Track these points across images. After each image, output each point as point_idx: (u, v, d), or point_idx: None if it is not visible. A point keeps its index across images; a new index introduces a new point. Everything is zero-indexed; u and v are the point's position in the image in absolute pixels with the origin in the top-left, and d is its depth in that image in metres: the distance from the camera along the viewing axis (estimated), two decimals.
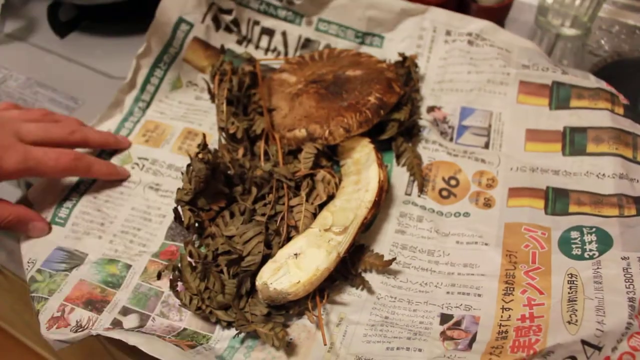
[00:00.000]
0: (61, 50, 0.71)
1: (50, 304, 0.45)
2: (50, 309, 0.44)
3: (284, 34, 0.66)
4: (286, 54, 0.66)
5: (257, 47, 0.67)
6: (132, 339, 0.40)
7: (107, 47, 0.72)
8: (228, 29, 0.65)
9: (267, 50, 0.67)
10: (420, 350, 0.41)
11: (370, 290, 0.46)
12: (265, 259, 0.44)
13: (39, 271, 0.47)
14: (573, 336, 0.38)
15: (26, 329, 1.13)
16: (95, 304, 0.45)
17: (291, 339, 0.43)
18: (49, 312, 0.44)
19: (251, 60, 0.61)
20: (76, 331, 0.43)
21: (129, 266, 0.48)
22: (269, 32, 0.67)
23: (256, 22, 0.66)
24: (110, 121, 0.59)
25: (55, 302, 0.45)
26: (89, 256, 0.48)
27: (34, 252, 0.48)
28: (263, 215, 0.47)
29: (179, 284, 0.45)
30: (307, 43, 0.66)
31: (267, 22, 0.66)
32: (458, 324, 0.43)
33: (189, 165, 0.48)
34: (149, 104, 0.61)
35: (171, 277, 0.45)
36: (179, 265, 0.45)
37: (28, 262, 0.47)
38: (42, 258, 0.47)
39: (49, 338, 0.42)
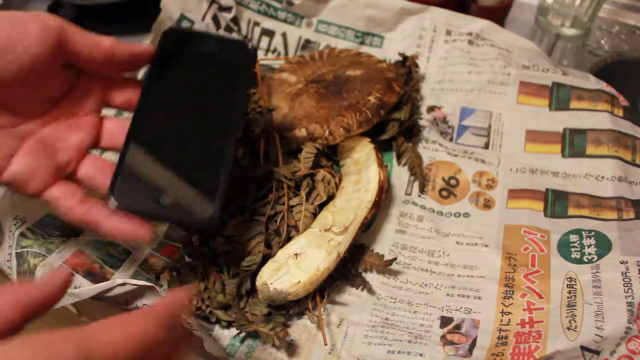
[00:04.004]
0: None
1: (50, 262, 0.44)
2: (50, 266, 0.44)
3: (284, 35, 0.66)
4: (286, 54, 0.66)
5: (257, 47, 0.67)
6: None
7: None
8: (228, 29, 0.65)
9: (267, 51, 0.67)
10: (421, 355, 0.41)
11: (371, 291, 0.46)
12: (265, 259, 0.44)
13: (30, 230, 0.46)
14: (572, 342, 0.38)
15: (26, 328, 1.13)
16: (95, 277, 0.44)
17: (292, 339, 0.43)
18: (49, 269, 0.43)
19: None
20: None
21: (129, 252, 0.48)
22: (269, 33, 0.66)
23: (256, 23, 0.66)
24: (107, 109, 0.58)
25: (55, 262, 0.44)
26: (85, 233, 0.48)
27: (22, 211, 0.47)
28: (263, 215, 0.47)
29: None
30: (307, 44, 0.66)
31: (267, 24, 0.66)
32: (458, 327, 0.43)
33: None
34: None
35: (169, 279, 0.45)
36: (178, 265, 0.46)
37: (16, 219, 0.46)
38: (32, 219, 0.47)
39: None
